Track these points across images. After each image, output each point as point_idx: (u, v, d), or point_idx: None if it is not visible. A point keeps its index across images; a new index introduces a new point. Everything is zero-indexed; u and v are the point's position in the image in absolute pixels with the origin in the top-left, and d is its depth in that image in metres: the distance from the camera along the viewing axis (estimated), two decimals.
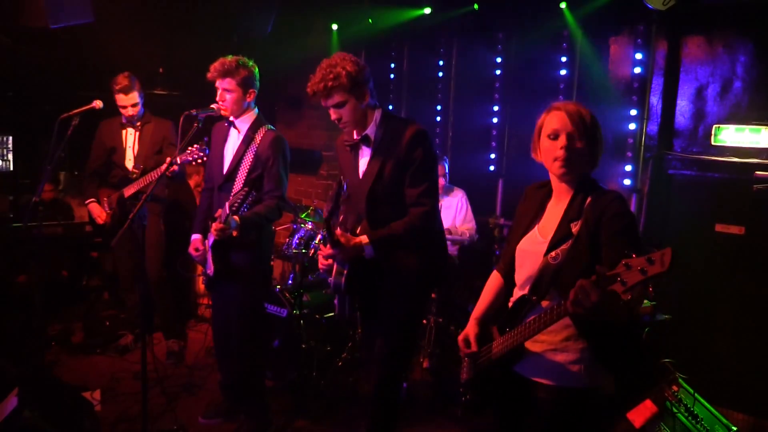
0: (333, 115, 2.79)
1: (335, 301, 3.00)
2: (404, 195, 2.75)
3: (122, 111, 4.42)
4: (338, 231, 2.70)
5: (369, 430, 2.93)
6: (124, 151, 4.51)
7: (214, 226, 3.15)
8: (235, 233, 3.13)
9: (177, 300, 4.99)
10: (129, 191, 4.34)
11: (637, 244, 1.84)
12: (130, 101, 4.37)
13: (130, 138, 4.51)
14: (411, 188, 2.73)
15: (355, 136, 2.84)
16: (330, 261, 2.81)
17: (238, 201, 3.04)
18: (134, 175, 4.38)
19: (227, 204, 3.07)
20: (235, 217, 3.08)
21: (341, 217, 3.00)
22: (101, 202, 4.51)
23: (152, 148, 4.50)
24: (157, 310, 4.77)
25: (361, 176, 2.85)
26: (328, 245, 2.75)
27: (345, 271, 2.80)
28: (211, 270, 3.37)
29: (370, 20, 5.65)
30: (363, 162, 2.86)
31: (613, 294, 1.68)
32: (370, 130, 2.80)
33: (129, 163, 4.49)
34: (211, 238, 3.30)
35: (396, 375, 2.92)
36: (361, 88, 2.72)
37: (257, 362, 3.56)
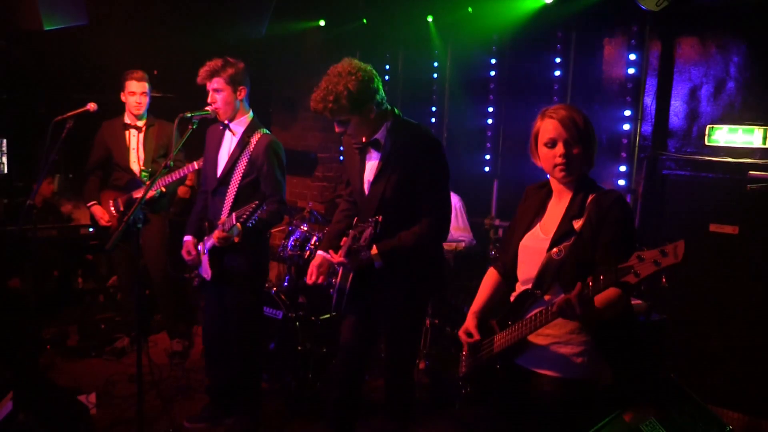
0: (337, 128, 2.70)
1: (333, 295, 2.91)
2: (414, 204, 2.68)
3: (130, 100, 4.36)
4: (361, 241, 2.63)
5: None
6: (128, 152, 4.46)
7: (216, 233, 3.13)
8: (236, 239, 3.12)
9: (181, 301, 4.98)
10: (139, 194, 4.30)
11: (635, 242, 1.97)
12: (140, 89, 4.36)
13: (134, 140, 4.47)
14: (423, 199, 2.67)
15: (363, 139, 2.74)
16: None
17: (247, 213, 2.95)
18: (144, 178, 4.36)
19: (234, 215, 3.02)
20: (237, 224, 3.05)
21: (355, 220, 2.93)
22: (107, 204, 4.44)
23: (157, 151, 4.48)
24: (160, 311, 4.75)
25: (366, 182, 2.78)
26: (339, 252, 2.71)
27: (351, 276, 2.78)
28: (207, 274, 3.35)
29: (365, 21, 5.65)
30: (370, 166, 2.77)
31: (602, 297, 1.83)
32: (381, 135, 2.71)
33: (134, 166, 4.46)
34: (207, 243, 3.29)
35: (411, 378, 2.96)
36: (366, 105, 2.60)
37: (255, 365, 3.56)
